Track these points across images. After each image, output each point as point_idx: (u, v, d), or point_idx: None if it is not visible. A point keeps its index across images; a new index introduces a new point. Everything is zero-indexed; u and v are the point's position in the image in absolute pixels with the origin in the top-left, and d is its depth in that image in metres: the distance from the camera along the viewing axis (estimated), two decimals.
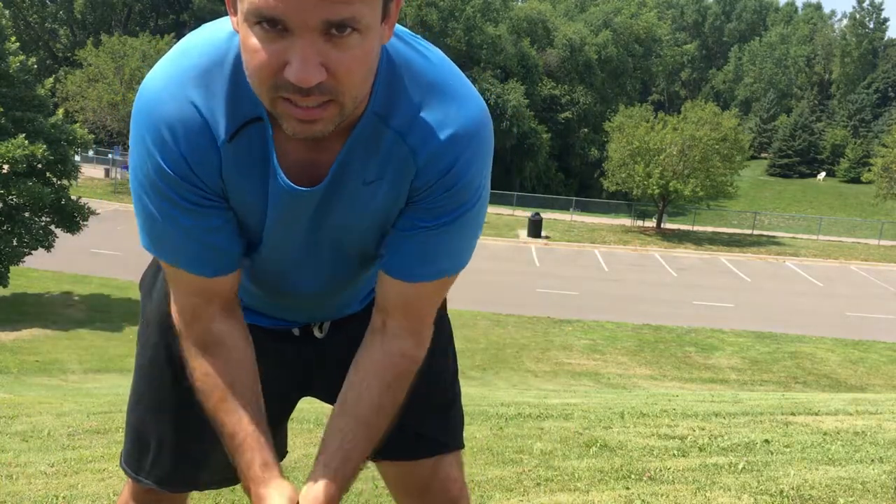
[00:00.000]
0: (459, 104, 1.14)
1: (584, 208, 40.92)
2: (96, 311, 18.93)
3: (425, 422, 1.49)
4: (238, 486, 2.87)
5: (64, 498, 2.95)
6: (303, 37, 0.94)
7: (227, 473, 1.55)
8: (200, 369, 1.24)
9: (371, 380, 1.25)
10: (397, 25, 1.11)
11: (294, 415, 1.62)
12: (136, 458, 1.51)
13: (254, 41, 0.97)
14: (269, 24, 0.94)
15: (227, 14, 1.13)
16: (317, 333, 1.47)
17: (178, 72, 1.10)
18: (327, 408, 1.62)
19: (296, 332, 1.46)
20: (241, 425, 1.21)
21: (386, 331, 1.26)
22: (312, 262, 1.29)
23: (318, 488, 1.17)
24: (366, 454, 1.25)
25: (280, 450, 1.64)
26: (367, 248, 1.28)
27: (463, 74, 1.19)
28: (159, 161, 1.11)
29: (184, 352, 1.26)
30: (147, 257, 1.39)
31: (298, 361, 1.49)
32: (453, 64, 1.18)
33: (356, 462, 1.23)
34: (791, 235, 37.46)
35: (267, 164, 1.13)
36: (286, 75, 0.96)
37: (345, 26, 0.95)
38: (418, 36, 1.18)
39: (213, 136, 1.10)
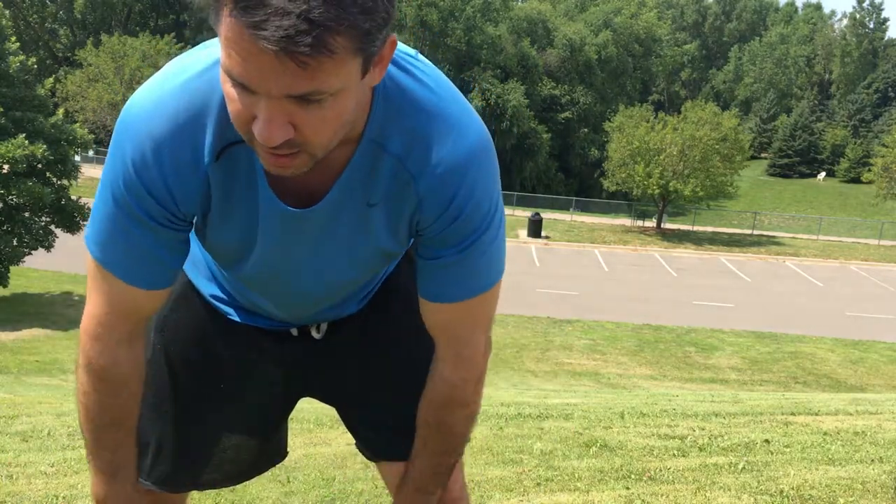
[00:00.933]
0: (457, 133, 1.13)
1: (584, 208, 40.93)
2: None
3: None
4: (238, 486, 2.86)
5: (64, 498, 2.95)
6: (268, 101, 0.93)
7: (228, 472, 1.55)
8: (90, 390, 1.27)
9: (424, 402, 1.36)
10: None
11: (294, 415, 1.62)
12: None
13: (229, 88, 0.97)
14: (238, 85, 0.94)
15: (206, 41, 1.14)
16: (314, 334, 1.47)
17: (169, 89, 1.09)
18: (327, 408, 1.62)
19: (294, 332, 1.46)
20: (124, 455, 1.34)
21: (436, 354, 1.32)
22: (312, 275, 1.29)
23: None
24: (427, 469, 1.40)
25: (280, 451, 1.64)
26: (371, 266, 1.30)
27: (461, 96, 1.18)
28: (135, 177, 1.10)
29: (79, 361, 1.27)
30: None
31: (297, 362, 1.49)
32: (452, 86, 1.17)
33: (418, 468, 1.40)
34: (791, 235, 37.45)
35: (253, 185, 1.13)
36: (253, 129, 0.96)
37: (310, 98, 0.94)
38: (416, 55, 1.17)
39: (199, 157, 1.10)
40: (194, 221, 1.19)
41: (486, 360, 1.33)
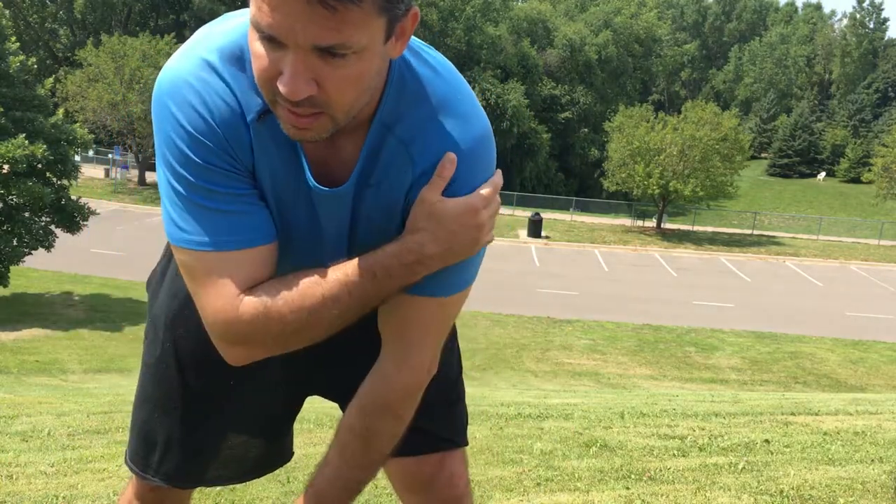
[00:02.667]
0: (464, 123, 1.15)
1: (584, 208, 40.93)
2: (96, 311, 18.92)
3: (432, 418, 1.49)
4: (238, 486, 2.85)
5: (64, 498, 2.95)
6: (296, 53, 0.96)
7: (235, 470, 1.56)
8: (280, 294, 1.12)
9: (352, 402, 1.29)
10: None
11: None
12: (142, 456, 1.51)
13: (257, 46, 1.00)
14: (266, 38, 0.97)
15: (227, 12, 1.15)
16: None
17: (204, 51, 1.10)
18: (328, 406, 1.62)
19: None
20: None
21: (380, 358, 1.27)
22: (324, 257, 1.27)
23: None
24: (338, 481, 1.32)
25: (286, 452, 1.64)
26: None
27: (470, 89, 1.20)
28: (192, 132, 1.09)
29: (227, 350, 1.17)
30: (151, 257, 1.39)
31: (301, 360, 1.49)
32: (461, 78, 1.20)
33: (328, 479, 1.32)
34: (791, 235, 37.45)
35: (294, 150, 1.14)
36: (278, 84, 0.98)
37: (335, 51, 0.96)
38: (429, 47, 1.19)
39: (242, 111, 1.10)
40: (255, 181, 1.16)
41: (427, 379, 1.28)
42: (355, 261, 1.14)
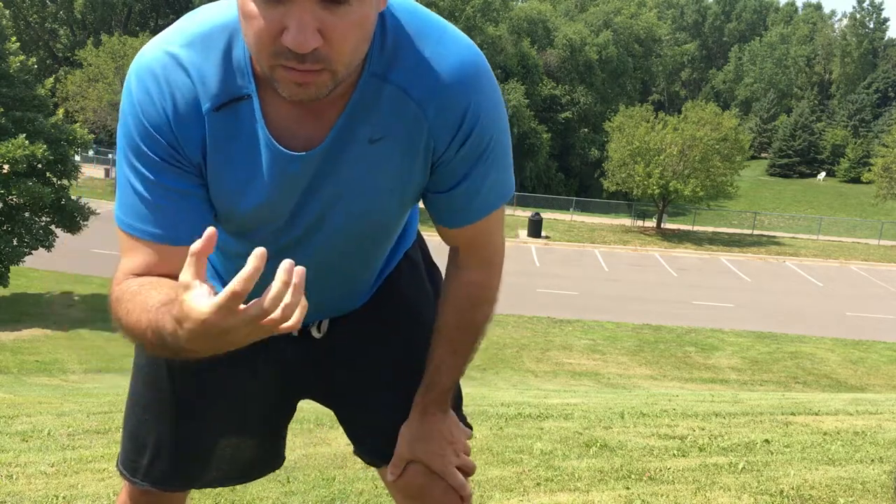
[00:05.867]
0: (451, 45, 1.16)
1: (584, 208, 40.91)
2: (96, 311, 18.91)
3: None
4: (238, 486, 2.85)
5: (64, 498, 2.95)
6: (300, 3, 0.96)
7: (227, 472, 1.55)
8: (126, 285, 1.16)
9: (448, 307, 1.38)
10: None
11: (294, 415, 1.62)
12: (132, 460, 1.50)
13: (252, 7, 0.99)
14: None
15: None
16: (315, 333, 1.46)
17: (176, 35, 1.13)
18: (327, 408, 1.62)
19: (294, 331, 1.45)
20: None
21: (458, 263, 1.37)
22: (320, 237, 1.27)
23: (417, 392, 1.41)
24: (454, 367, 1.40)
25: (279, 457, 1.62)
26: (383, 216, 1.28)
27: (443, 20, 1.20)
28: (140, 115, 1.13)
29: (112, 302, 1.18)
30: None
31: (296, 362, 1.48)
32: (431, 13, 1.20)
33: (446, 372, 1.39)
34: (791, 235, 37.45)
35: (254, 138, 1.14)
36: (283, 41, 0.98)
37: None
38: None
39: (199, 102, 1.12)
40: (202, 173, 1.18)
41: (503, 253, 1.39)
42: (163, 315, 1.02)
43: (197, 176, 1.18)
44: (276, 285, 0.87)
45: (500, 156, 1.25)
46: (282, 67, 1.01)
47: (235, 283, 0.86)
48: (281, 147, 1.14)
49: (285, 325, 0.89)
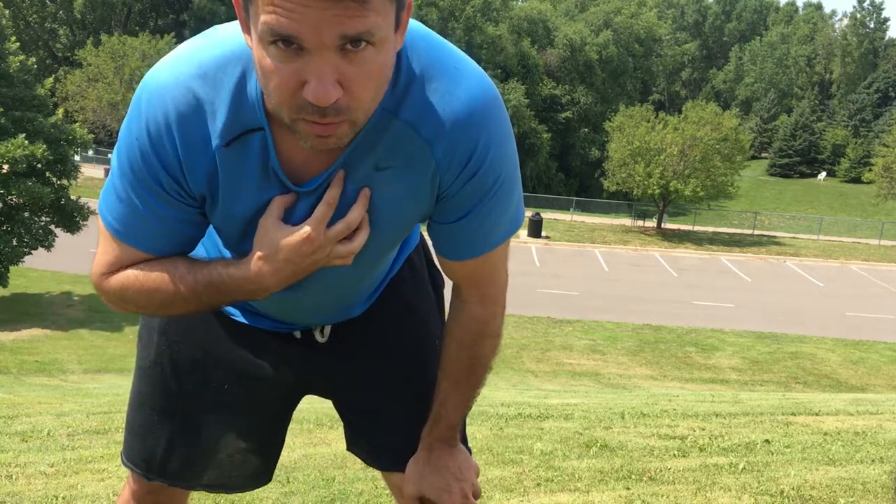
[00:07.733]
0: (464, 84, 1.13)
1: (585, 208, 40.92)
2: (96, 311, 18.92)
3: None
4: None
5: (64, 498, 2.95)
6: (319, 55, 0.95)
7: (229, 474, 1.55)
8: (122, 277, 1.23)
9: (451, 341, 1.40)
10: None
11: (294, 415, 1.62)
12: (144, 458, 1.52)
13: (269, 62, 0.97)
14: (285, 42, 0.94)
15: (227, 11, 1.13)
16: (318, 338, 1.47)
17: (191, 63, 1.10)
18: (328, 407, 1.62)
19: (297, 335, 1.46)
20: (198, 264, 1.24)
21: (461, 297, 1.38)
22: None
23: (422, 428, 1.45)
24: (459, 402, 1.43)
25: (271, 463, 1.61)
26: (387, 238, 1.27)
27: (459, 52, 1.18)
28: (149, 147, 1.12)
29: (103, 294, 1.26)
30: None
31: (300, 365, 1.49)
32: (448, 44, 1.18)
33: (451, 406, 1.42)
34: (791, 235, 37.44)
35: (265, 170, 1.13)
36: (305, 95, 0.97)
37: (360, 40, 0.95)
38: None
39: (210, 138, 1.11)
40: (204, 203, 1.19)
41: (506, 289, 1.40)
42: (209, 270, 1.20)
43: (194, 207, 1.18)
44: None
45: (506, 192, 1.23)
46: (303, 121, 1.00)
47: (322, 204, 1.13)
48: (292, 185, 1.15)
49: (350, 246, 1.16)
